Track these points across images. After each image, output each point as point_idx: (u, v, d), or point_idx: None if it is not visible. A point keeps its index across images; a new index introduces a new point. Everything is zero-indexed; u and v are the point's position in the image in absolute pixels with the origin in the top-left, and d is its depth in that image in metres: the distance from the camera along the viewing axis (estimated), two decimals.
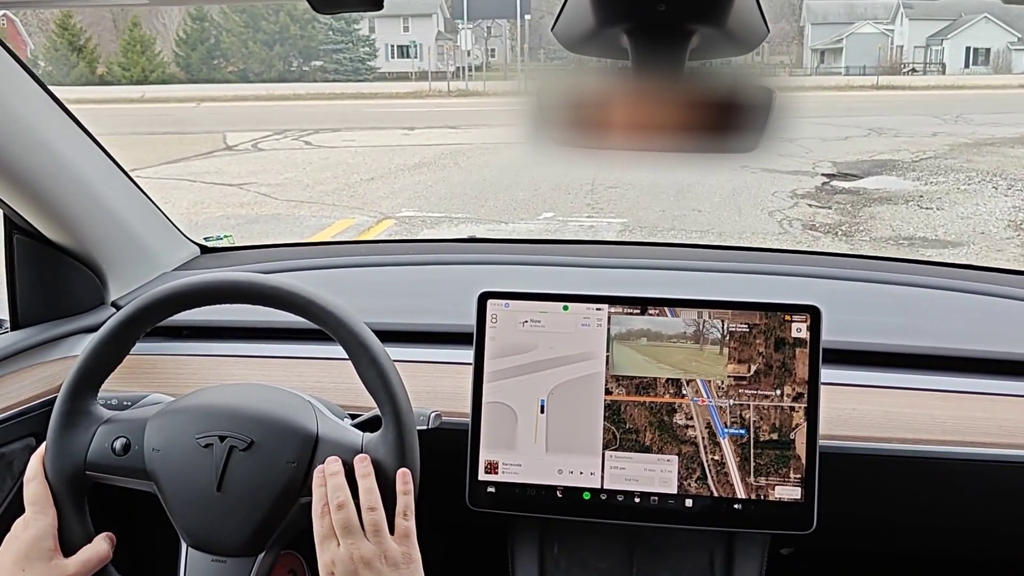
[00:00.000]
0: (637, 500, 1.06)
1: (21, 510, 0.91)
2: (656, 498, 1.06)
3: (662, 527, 1.08)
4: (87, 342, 0.96)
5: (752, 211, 7.16)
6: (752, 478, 1.04)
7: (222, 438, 0.91)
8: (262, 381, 1.06)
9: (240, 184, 8.68)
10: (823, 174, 8.78)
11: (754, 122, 0.65)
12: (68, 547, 0.90)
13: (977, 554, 1.30)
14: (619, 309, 1.08)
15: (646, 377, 1.07)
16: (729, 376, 1.06)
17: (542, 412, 1.08)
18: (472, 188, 8.46)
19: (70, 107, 1.22)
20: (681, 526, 1.06)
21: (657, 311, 1.08)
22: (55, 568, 0.88)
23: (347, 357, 0.93)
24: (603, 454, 1.07)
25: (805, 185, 8.22)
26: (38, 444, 1.17)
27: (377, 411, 0.93)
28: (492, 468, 1.09)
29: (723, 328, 1.06)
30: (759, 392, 1.05)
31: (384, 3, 0.72)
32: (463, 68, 26.74)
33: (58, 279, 1.32)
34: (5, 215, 1.25)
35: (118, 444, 0.93)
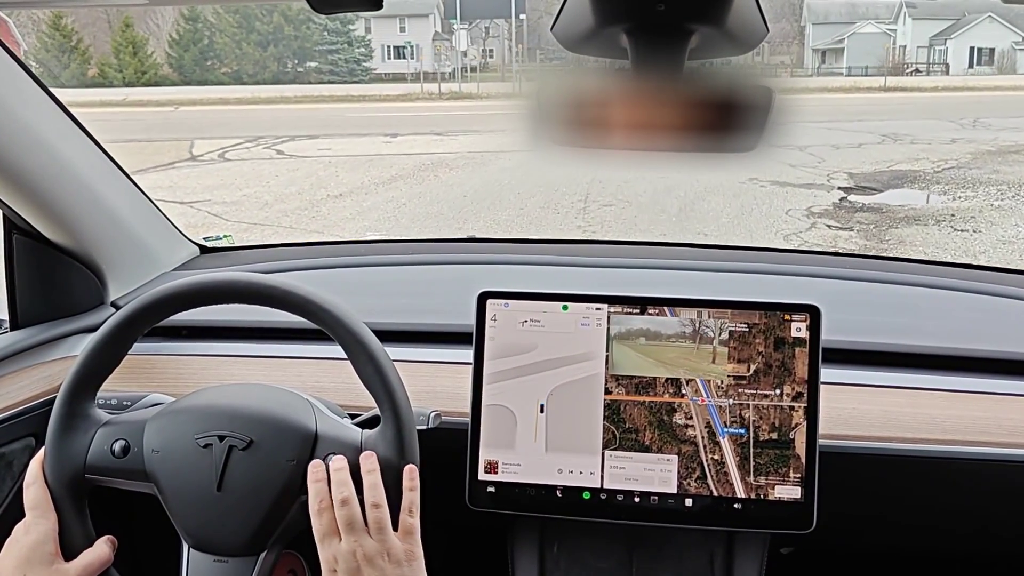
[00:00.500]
0: (637, 500, 1.07)
1: (21, 510, 0.91)
2: (656, 498, 1.06)
3: (662, 527, 1.08)
4: (85, 343, 0.95)
5: (765, 234, 6.52)
6: (752, 477, 1.05)
7: (221, 438, 0.91)
8: (261, 381, 1.06)
9: (191, 202, 7.87)
10: (839, 188, 8.15)
11: (753, 122, 0.65)
12: (69, 551, 0.90)
13: (977, 553, 1.30)
14: (619, 309, 1.08)
15: (646, 377, 1.07)
16: (729, 375, 1.06)
17: (541, 412, 1.08)
18: (451, 206, 7.72)
19: None
20: (681, 526, 1.06)
21: (657, 311, 1.08)
22: (56, 572, 0.88)
23: (346, 357, 0.93)
24: (603, 454, 1.07)
25: (821, 201, 7.54)
26: (38, 444, 1.17)
27: (376, 410, 0.93)
28: (492, 468, 1.09)
29: (723, 327, 1.06)
30: (759, 392, 1.05)
31: (383, 3, 0.72)
32: (458, 69, 26.73)
33: (57, 279, 1.32)
34: (4, 215, 1.25)
35: (117, 446, 0.93)
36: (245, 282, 0.94)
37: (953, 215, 7.00)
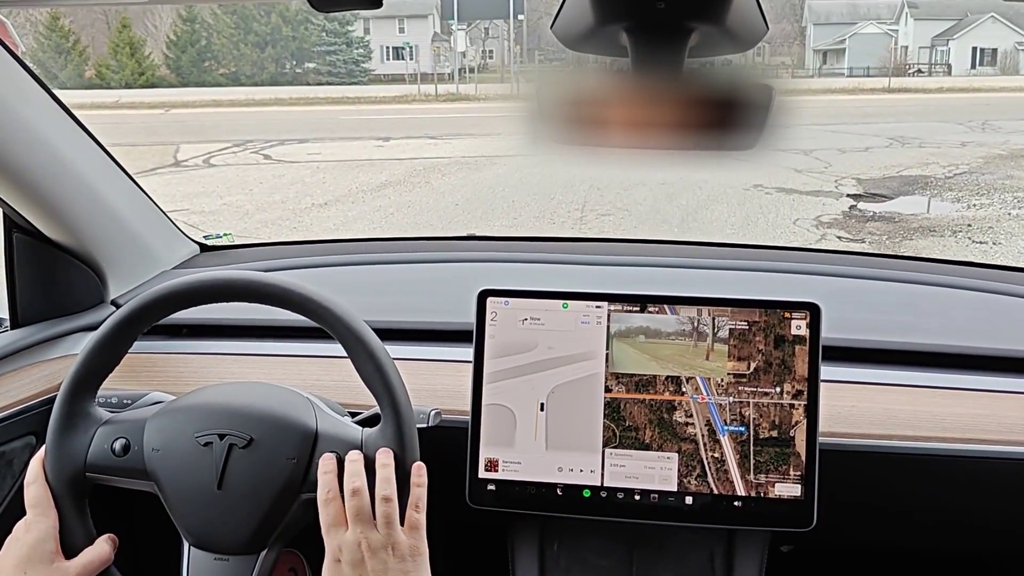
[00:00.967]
0: (637, 498, 1.07)
1: (21, 509, 0.91)
2: (656, 496, 1.06)
3: (662, 525, 1.08)
4: (86, 342, 0.96)
5: None
6: (752, 475, 1.05)
7: (221, 436, 0.91)
8: (261, 379, 1.06)
9: (167, 212, 7.60)
10: (848, 195, 7.82)
11: (753, 120, 0.65)
12: (70, 549, 0.90)
13: (977, 551, 1.30)
14: (619, 306, 1.08)
15: (646, 375, 1.07)
16: (729, 373, 1.06)
17: (542, 410, 1.08)
18: (440, 216, 7.39)
19: None
20: (681, 523, 1.07)
21: (657, 308, 1.08)
22: (57, 571, 0.88)
23: (346, 355, 0.93)
24: (603, 452, 1.07)
25: (830, 210, 7.23)
26: (38, 443, 1.17)
27: (377, 408, 0.93)
28: (492, 466, 1.09)
29: (723, 325, 1.07)
30: (759, 389, 1.05)
31: (383, 2, 0.72)
32: (455, 71, 26.70)
33: (58, 277, 1.32)
34: (5, 214, 1.25)
35: (118, 445, 0.93)
36: (245, 281, 0.94)
37: (970, 225, 6.75)
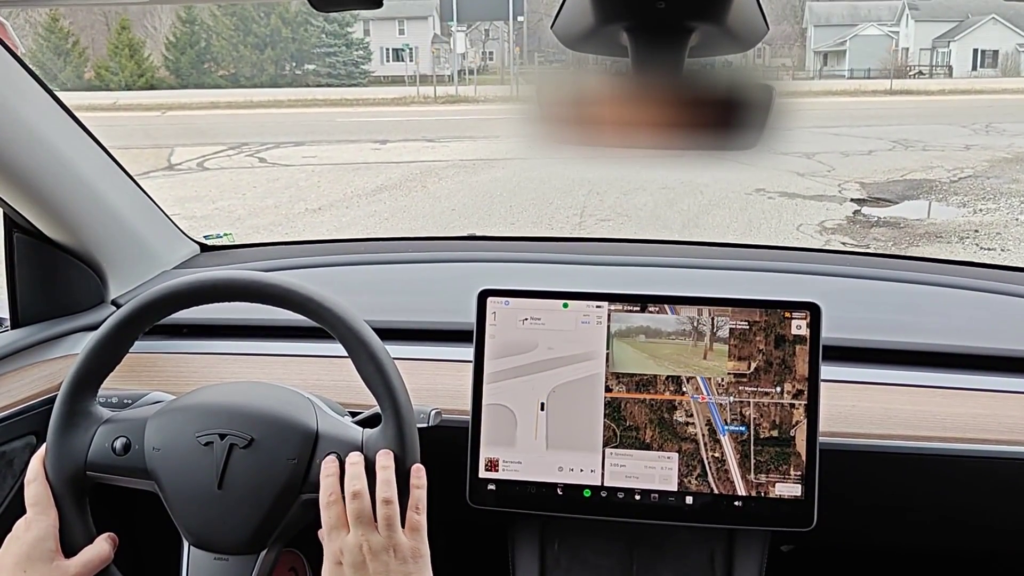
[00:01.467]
0: (637, 497, 1.07)
1: (22, 508, 0.91)
2: (656, 495, 1.06)
3: (662, 524, 1.08)
4: (86, 341, 0.96)
5: None
6: (752, 475, 1.05)
7: (222, 436, 0.91)
8: (262, 379, 1.06)
9: None
10: (852, 199, 7.71)
11: (754, 120, 0.65)
12: (69, 548, 0.90)
13: (977, 550, 1.30)
14: (619, 306, 1.08)
15: (646, 374, 1.07)
16: (729, 373, 1.06)
17: (542, 410, 1.08)
18: (436, 222, 7.29)
19: None
20: (681, 523, 1.07)
21: (657, 308, 1.08)
22: (56, 569, 0.88)
23: (347, 355, 0.93)
24: (603, 451, 1.07)
25: (834, 215, 7.12)
26: (39, 442, 1.17)
27: (377, 408, 0.93)
28: (492, 465, 1.09)
29: (723, 325, 1.07)
30: (759, 389, 1.05)
31: (383, 2, 0.72)
32: (455, 72, 26.69)
33: (58, 277, 1.32)
34: (5, 214, 1.26)
35: (118, 444, 0.93)
36: (245, 280, 0.94)
37: (977, 230, 6.63)
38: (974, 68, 33.05)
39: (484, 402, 1.09)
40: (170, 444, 0.93)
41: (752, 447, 1.05)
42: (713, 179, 8.30)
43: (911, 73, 33.32)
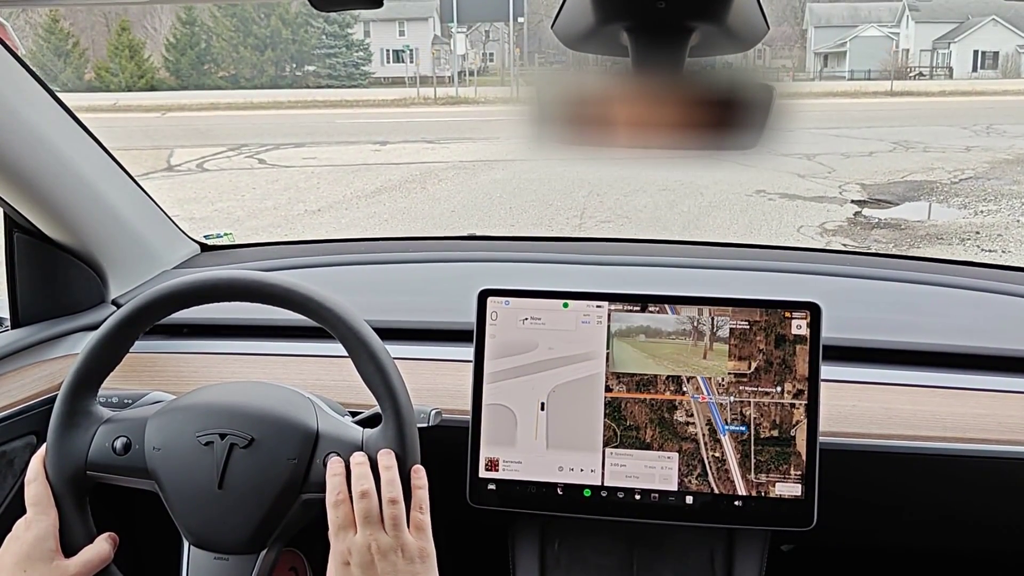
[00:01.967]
0: (638, 497, 1.07)
1: (23, 508, 0.91)
2: (656, 495, 1.06)
3: (663, 524, 1.08)
4: (86, 341, 0.96)
5: None
6: (753, 475, 1.05)
7: (222, 436, 0.91)
8: (262, 379, 1.06)
9: None
10: (853, 201, 7.73)
11: (754, 119, 0.65)
12: (69, 548, 0.90)
13: (977, 550, 1.30)
14: (619, 306, 1.08)
15: (646, 374, 1.07)
16: (729, 373, 1.06)
17: (542, 410, 1.08)
18: (435, 223, 7.29)
19: None
20: (682, 523, 1.07)
21: (657, 308, 1.08)
22: (56, 569, 0.88)
23: (347, 354, 0.93)
24: (603, 451, 1.07)
25: (834, 216, 7.12)
26: (39, 442, 1.17)
27: (377, 408, 0.93)
28: (493, 465, 1.09)
29: (723, 325, 1.07)
30: (760, 389, 1.05)
31: (384, 2, 0.72)
32: (455, 74, 26.70)
33: (58, 277, 1.32)
34: (5, 213, 1.26)
35: (119, 443, 0.93)
36: (246, 280, 0.94)
37: (978, 232, 6.62)
38: (974, 69, 33.05)
39: (484, 402, 1.09)
40: (170, 444, 0.93)
41: (752, 447, 1.05)
42: (713, 181, 8.30)
43: (911, 74, 33.32)
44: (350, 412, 1.01)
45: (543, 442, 1.08)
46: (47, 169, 1.19)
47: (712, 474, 1.05)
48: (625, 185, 8.37)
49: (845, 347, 1.19)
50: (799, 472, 1.04)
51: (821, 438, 1.04)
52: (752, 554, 1.14)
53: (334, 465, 0.88)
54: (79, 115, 1.25)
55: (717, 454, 1.05)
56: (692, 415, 1.06)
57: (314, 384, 1.13)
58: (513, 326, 1.09)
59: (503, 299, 1.10)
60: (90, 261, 1.34)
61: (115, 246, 1.36)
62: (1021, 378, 1.16)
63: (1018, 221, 6.97)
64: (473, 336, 1.09)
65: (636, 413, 1.07)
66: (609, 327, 1.08)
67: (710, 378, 1.06)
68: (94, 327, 1.26)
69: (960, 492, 1.12)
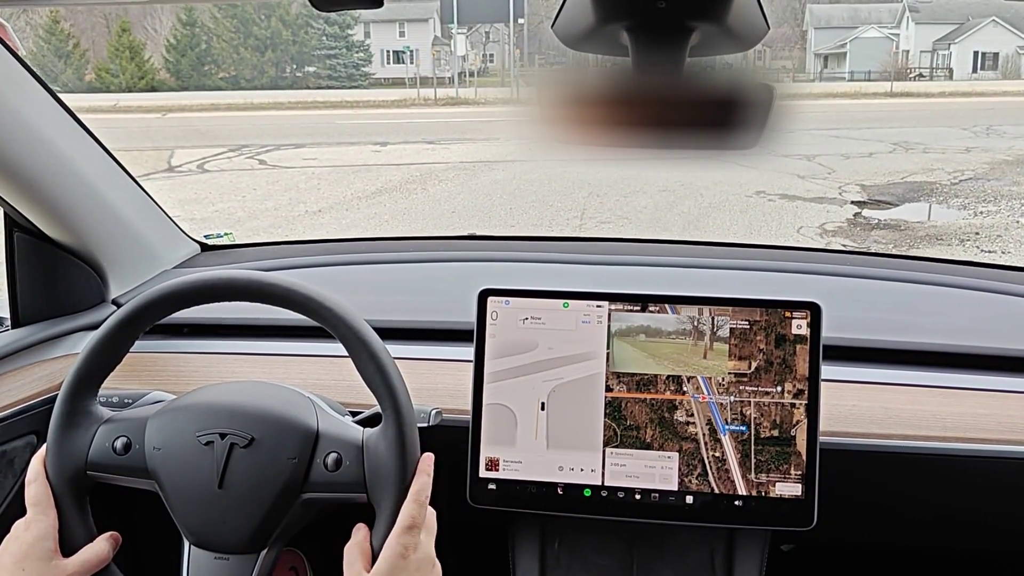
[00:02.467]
0: (638, 497, 1.07)
1: (23, 508, 0.91)
2: (657, 495, 1.06)
3: (663, 524, 1.08)
4: (87, 341, 0.96)
5: None
6: (753, 475, 1.05)
7: (223, 435, 0.91)
8: (262, 379, 1.06)
9: None
10: (852, 202, 7.75)
11: (754, 119, 0.65)
12: (69, 548, 0.90)
13: (977, 549, 1.30)
14: (619, 306, 1.08)
15: (647, 374, 1.07)
16: (730, 373, 1.06)
17: (542, 410, 1.08)
18: (436, 224, 7.30)
19: None
20: (682, 523, 1.07)
21: (657, 308, 1.08)
22: (54, 568, 0.88)
23: (347, 354, 0.93)
24: (604, 451, 1.07)
25: (834, 217, 7.15)
26: (39, 442, 1.17)
27: (377, 408, 0.93)
28: (493, 465, 1.09)
29: (723, 324, 1.07)
30: (760, 389, 1.05)
31: (384, 2, 0.72)
32: (455, 74, 26.71)
33: (59, 277, 1.32)
34: (5, 213, 1.26)
35: (119, 443, 0.93)
36: (246, 280, 0.94)
37: (978, 233, 6.64)
38: (974, 70, 33.04)
39: (484, 402, 1.09)
40: (171, 443, 0.93)
41: (753, 446, 1.05)
42: (713, 181, 8.31)
43: (911, 75, 33.33)
44: (350, 412, 1.01)
45: (543, 442, 1.08)
46: (48, 169, 1.19)
47: (712, 474, 1.05)
48: (625, 186, 8.38)
49: (845, 347, 1.19)
50: (799, 472, 1.04)
51: (821, 438, 1.04)
52: (752, 554, 1.14)
53: (426, 465, 0.90)
54: (80, 116, 1.25)
55: (717, 454, 1.05)
56: (692, 415, 1.06)
57: (314, 384, 1.13)
58: (513, 326, 1.09)
59: (503, 299, 1.10)
60: (90, 261, 1.34)
61: (115, 246, 1.36)
62: (1021, 378, 1.16)
63: (1017, 222, 7.02)
64: (473, 336, 1.09)
65: (636, 413, 1.07)
66: (609, 327, 1.08)
67: (710, 378, 1.06)
68: (94, 327, 1.26)
69: (960, 492, 1.12)
